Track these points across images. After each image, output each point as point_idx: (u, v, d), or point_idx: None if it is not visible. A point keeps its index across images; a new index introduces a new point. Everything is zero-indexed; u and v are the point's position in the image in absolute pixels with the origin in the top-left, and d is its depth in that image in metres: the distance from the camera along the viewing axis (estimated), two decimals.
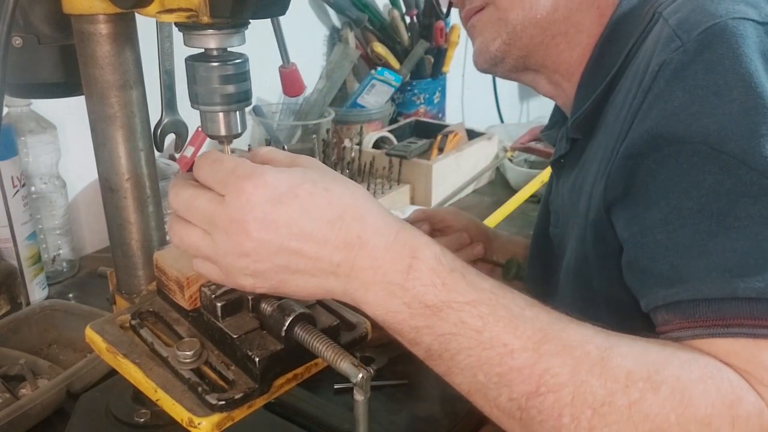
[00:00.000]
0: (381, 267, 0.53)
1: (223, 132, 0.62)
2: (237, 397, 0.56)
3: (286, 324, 0.57)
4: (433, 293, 0.52)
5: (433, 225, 0.96)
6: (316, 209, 0.52)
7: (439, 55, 1.81)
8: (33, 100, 1.11)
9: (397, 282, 0.52)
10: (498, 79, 2.27)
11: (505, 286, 0.55)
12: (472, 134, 1.67)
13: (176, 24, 0.59)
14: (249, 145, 1.36)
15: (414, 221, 0.94)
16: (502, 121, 2.27)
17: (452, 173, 1.54)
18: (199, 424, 0.55)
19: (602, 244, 0.65)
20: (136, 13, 0.61)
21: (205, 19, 0.55)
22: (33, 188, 1.14)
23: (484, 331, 0.51)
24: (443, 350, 0.53)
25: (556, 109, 0.87)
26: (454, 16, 1.97)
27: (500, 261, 0.98)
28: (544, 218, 0.85)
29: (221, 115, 0.61)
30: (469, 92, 2.21)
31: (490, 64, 0.76)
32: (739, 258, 0.52)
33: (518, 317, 0.52)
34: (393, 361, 0.95)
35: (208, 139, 1.37)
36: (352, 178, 1.37)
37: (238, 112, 0.62)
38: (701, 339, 0.53)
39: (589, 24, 0.73)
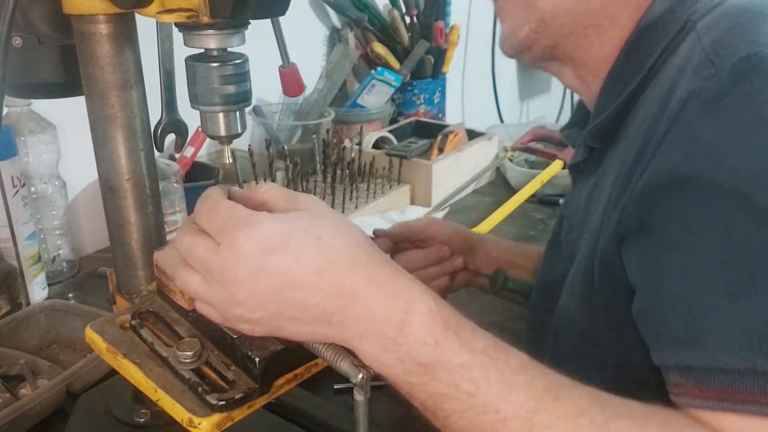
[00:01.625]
0: (374, 320, 0.51)
1: (222, 132, 0.62)
2: (237, 397, 0.56)
3: None
4: (425, 351, 0.51)
5: (414, 237, 0.93)
6: (306, 258, 0.51)
7: (439, 55, 1.81)
8: (33, 100, 1.11)
9: (390, 337, 0.51)
10: (498, 79, 2.28)
11: (500, 345, 0.52)
12: (472, 134, 1.67)
13: (176, 24, 0.59)
14: (249, 146, 1.36)
15: (395, 236, 0.91)
16: (502, 121, 2.27)
17: (452, 173, 1.54)
18: (199, 424, 0.55)
19: (609, 276, 0.61)
20: (136, 13, 0.61)
21: (205, 19, 0.55)
22: (33, 188, 1.14)
23: (476, 395, 0.50)
24: (437, 408, 0.52)
25: (579, 108, 0.81)
26: (455, 16, 1.97)
27: (486, 272, 0.96)
28: (560, 222, 0.81)
29: (221, 115, 0.61)
30: (469, 92, 2.21)
31: (517, 51, 0.71)
32: (762, 325, 0.48)
33: (512, 383, 0.50)
34: None
35: (208, 139, 1.37)
36: (352, 179, 1.39)
37: (238, 113, 0.62)
38: (712, 411, 0.49)
39: (626, 18, 0.66)
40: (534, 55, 0.71)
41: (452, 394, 0.51)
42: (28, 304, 1.06)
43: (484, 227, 1.38)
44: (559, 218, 0.82)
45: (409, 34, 1.77)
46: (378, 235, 0.90)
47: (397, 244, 0.91)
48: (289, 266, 0.51)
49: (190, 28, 0.58)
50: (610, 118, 0.67)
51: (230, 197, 0.56)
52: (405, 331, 0.51)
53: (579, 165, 0.76)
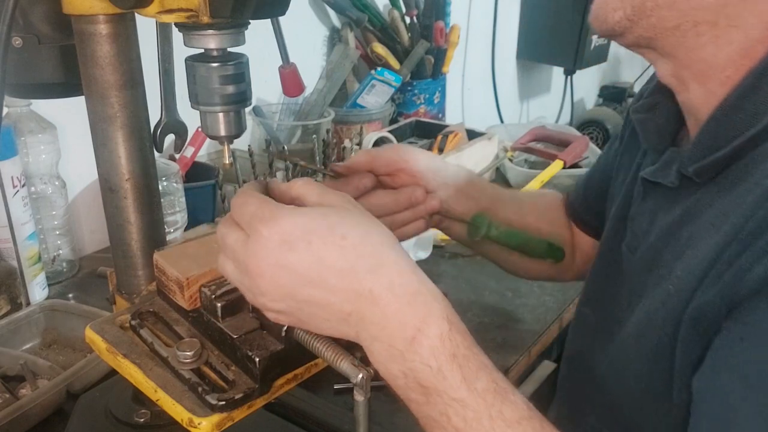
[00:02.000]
0: (387, 328, 0.51)
1: (222, 132, 0.62)
2: (237, 397, 0.56)
3: (287, 324, 0.57)
4: (428, 375, 0.50)
5: (378, 171, 0.79)
6: (328, 257, 0.51)
7: (439, 55, 1.81)
8: (33, 100, 1.11)
9: (399, 348, 0.51)
10: (498, 79, 2.28)
11: (501, 390, 0.50)
12: (472, 134, 1.67)
13: (176, 24, 0.59)
14: (249, 146, 1.36)
15: (356, 167, 0.78)
16: (502, 121, 2.27)
17: None
18: (199, 424, 0.55)
19: (698, 336, 0.54)
20: (136, 13, 0.61)
21: (205, 19, 0.55)
22: (33, 188, 1.14)
23: None
24: (428, 429, 0.52)
25: (658, 90, 0.68)
26: (454, 16, 1.97)
27: (463, 217, 0.83)
28: (619, 230, 0.72)
29: (221, 115, 0.61)
30: (469, 92, 2.21)
31: (606, 33, 0.62)
32: None
33: None
34: None
35: (208, 140, 1.37)
36: None
37: (238, 113, 0.62)
38: None
39: (754, 23, 0.54)
40: (626, 41, 0.62)
41: (442, 423, 0.50)
42: (28, 304, 1.06)
43: None
44: (618, 221, 0.73)
45: (409, 34, 1.77)
46: (338, 171, 0.78)
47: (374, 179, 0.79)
48: (311, 262, 0.51)
49: (189, 28, 0.58)
50: (728, 156, 0.56)
51: (267, 191, 0.57)
52: (413, 348, 0.50)
53: (657, 183, 0.65)
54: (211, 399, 0.55)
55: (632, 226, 0.69)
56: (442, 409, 0.50)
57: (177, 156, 1.31)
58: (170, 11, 0.56)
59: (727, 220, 0.54)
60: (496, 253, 0.90)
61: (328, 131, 1.48)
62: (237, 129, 0.63)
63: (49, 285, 1.15)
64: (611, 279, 0.71)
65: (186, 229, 1.24)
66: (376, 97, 1.66)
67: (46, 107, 1.14)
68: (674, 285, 0.57)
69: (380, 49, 1.69)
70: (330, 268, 0.51)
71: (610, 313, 0.69)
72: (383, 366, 0.52)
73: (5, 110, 0.98)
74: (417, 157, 0.80)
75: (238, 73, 0.60)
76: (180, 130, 0.79)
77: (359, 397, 0.54)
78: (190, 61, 0.60)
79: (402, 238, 0.75)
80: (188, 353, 0.58)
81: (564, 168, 1.60)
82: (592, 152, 1.76)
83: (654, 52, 0.61)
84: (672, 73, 0.61)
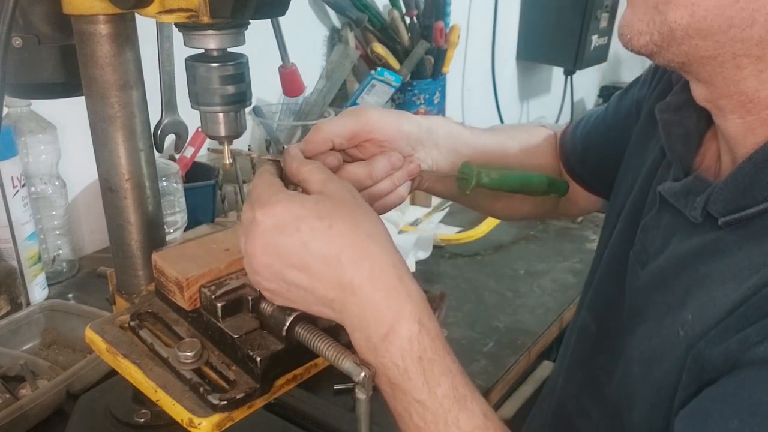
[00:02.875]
0: (365, 320, 0.53)
1: (222, 132, 0.62)
2: (239, 396, 0.56)
3: (287, 323, 0.57)
4: (395, 373, 0.52)
5: (341, 147, 0.69)
6: (314, 244, 0.53)
7: (439, 55, 1.81)
8: (33, 100, 1.11)
9: (374, 342, 0.53)
10: (498, 79, 2.28)
11: (460, 397, 0.52)
12: None
13: (176, 24, 0.59)
14: (249, 146, 1.36)
15: (313, 149, 0.66)
16: (502, 121, 2.27)
17: None
18: (199, 424, 0.55)
19: (696, 381, 0.53)
20: (136, 14, 0.61)
21: (205, 19, 0.55)
22: (33, 188, 1.14)
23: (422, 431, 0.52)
24: (396, 420, 0.55)
25: (686, 89, 0.61)
26: (455, 16, 1.97)
27: (450, 173, 0.75)
28: (629, 236, 0.69)
29: (221, 115, 0.62)
30: (469, 92, 2.21)
31: (634, 52, 0.57)
32: None
33: None
34: None
35: (208, 139, 1.37)
36: None
37: (238, 113, 0.62)
38: None
39: None
40: (658, 62, 0.57)
41: (406, 419, 0.53)
42: (28, 304, 1.06)
43: (484, 227, 1.38)
44: (629, 224, 0.70)
45: (409, 34, 1.77)
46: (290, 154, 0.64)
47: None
48: (297, 248, 0.53)
49: (190, 28, 0.58)
50: (762, 211, 0.52)
51: (282, 169, 0.60)
52: (385, 345, 0.52)
53: (678, 209, 0.61)
54: (213, 399, 0.55)
55: (643, 237, 0.66)
56: (406, 407, 0.53)
57: (177, 156, 1.31)
58: (170, 11, 0.56)
59: (752, 276, 0.51)
60: (490, 203, 0.86)
61: None
62: (237, 129, 0.63)
63: (49, 285, 1.15)
64: (614, 287, 0.69)
65: (186, 229, 1.24)
66: (376, 97, 1.66)
67: (46, 107, 1.14)
68: (685, 330, 0.55)
69: (380, 49, 1.69)
70: (315, 254, 0.53)
71: (608, 324, 0.69)
72: (361, 353, 0.54)
73: (5, 110, 0.98)
74: (383, 125, 0.70)
75: (238, 73, 0.60)
76: (180, 130, 0.79)
77: (361, 395, 0.54)
78: (190, 61, 0.60)
79: (385, 210, 0.71)
80: (189, 353, 0.58)
81: None
82: None
83: (689, 74, 0.57)
84: (708, 99, 0.57)
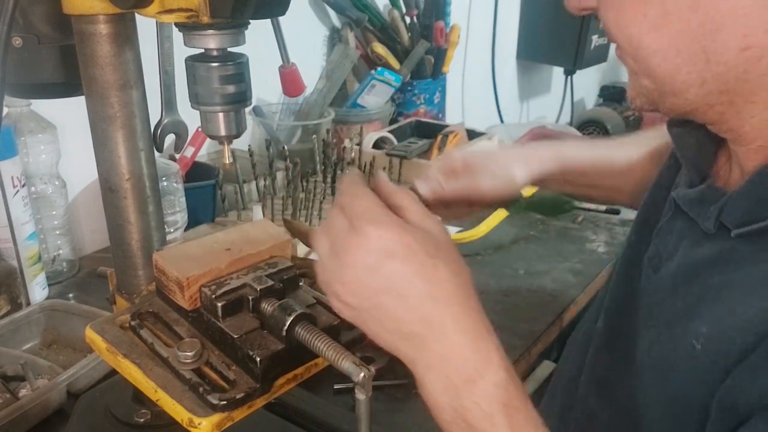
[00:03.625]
0: (449, 362, 0.53)
1: (222, 132, 0.62)
2: (239, 396, 0.56)
3: (287, 323, 0.57)
4: (477, 416, 0.52)
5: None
6: (418, 279, 0.54)
7: (440, 55, 1.81)
8: (33, 100, 1.11)
9: (455, 384, 0.53)
10: (498, 79, 2.28)
11: None
12: (472, 134, 1.67)
13: (176, 24, 0.59)
14: (249, 146, 1.36)
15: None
16: (502, 121, 2.27)
17: None
18: (199, 424, 0.55)
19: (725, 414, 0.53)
20: (136, 13, 0.61)
21: (205, 19, 0.55)
22: (33, 188, 1.14)
23: None
24: None
25: None
26: (454, 16, 1.97)
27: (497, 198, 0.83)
28: (644, 238, 0.70)
29: (221, 115, 0.62)
30: (469, 92, 2.21)
31: (640, 108, 0.62)
32: None
33: None
34: (393, 361, 0.95)
35: (208, 139, 1.37)
36: None
37: (238, 113, 0.62)
38: None
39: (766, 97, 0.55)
40: (664, 113, 0.61)
41: None
42: (28, 304, 1.06)
43: (484, 227, 1.37)
44: (645, 227, 0.71)
45: (409, 34, 1.77)
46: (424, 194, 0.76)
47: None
48: (401, 277, 0.54)
49: (190, 28, 0.58)
50: None
51: (371, 187, 0.59)
52: (469, 388, 0.53)
53: (691, 217, 0.63)
54: (213, 399, 0.55)
55: (658, 242, 0.67)
56: None
57: (177, 156, 1.31)
58: (170, 11, 0.56)
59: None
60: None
61: (328, 131, 1.48)
62: (237, 129, 0.63)
63: (49, 285, 1.15)
64: (626, 290, 0.71)
65: (186, 229, 1.24)
66: (376, 97, 1.66)
67: (46, 107, 1.14)
68: (702, 344, 0.56)
69: (380, 49, 1.69)
70: (415, 288, 0.54)
71: (620, 326, 0.69)
72: (432, 396, 0.54)
73: (5, 110, 0.98)
74: (487, 188, 0.81)
75: (238, 73, 0.60)
76: (180, 130, 0.79)
77: (361, 395, 0.54)
78: (190, 61, 0.60)
79: None
80: (189, 353, 0.58)
81: None
82: None
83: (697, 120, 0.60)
84: (715, 131, 0.60)
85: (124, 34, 0.63)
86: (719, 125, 0.58)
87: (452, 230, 1.40)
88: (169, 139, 0.78)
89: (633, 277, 0.70)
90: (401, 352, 0.55)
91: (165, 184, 1.17)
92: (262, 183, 1.31)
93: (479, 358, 0.53)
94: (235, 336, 0.58)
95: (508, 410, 0.52)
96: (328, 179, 1.39)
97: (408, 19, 1.77)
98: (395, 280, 0.54)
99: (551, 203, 0.94)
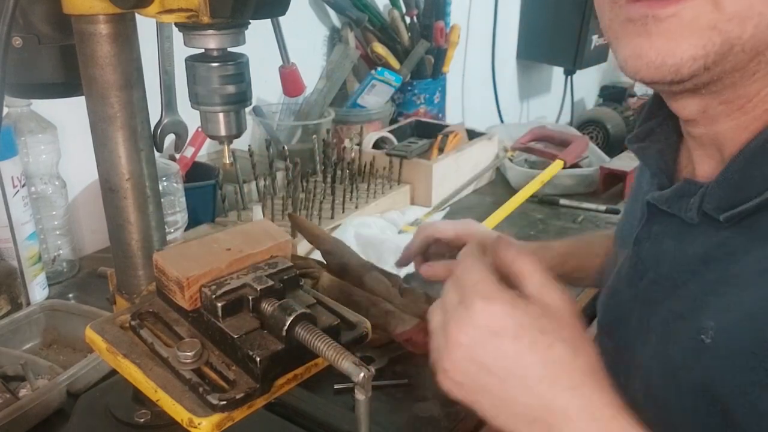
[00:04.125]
0: None
1: (222, 132, 0.62)
2: (238, 396, 0.56)
3: (287, 323, 0.57)
4: None
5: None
6: (530, 359, 0.51)
7: (440, 55, 1.81)
8: (33, 100, 1.11)
9: None
10: (498, 79, 2.28)
11: None
12: (472, 134, 1.67)
13: (176, 24, 0.59)
14: (249, 146, 1.36)
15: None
16: (502, 121, 2.27)
17: (452, 173, 1.54)
18: (199, 424, 0.55)
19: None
20: (136, 13, 0.61)
21: (205, 19, 0.55)
22: (33, 188, 1.14)
23: None
24: None
25: (653, 111, 0.67)
26: (455, 17, 1.97)
27: None
28: (622, 252, 0.72)
29: (221, 115, 0.62)
30: (469, 92, 2.21)
31: (663, 81, 0.54)
32: None
33: None
34: (393, 361, 0.95)
35: (208, 139, 1.37)
36: (352, 179, 1.38)
37: (238, 113, 0.62)
38: None
39: None
40: (678, 89, 0.55)
41: None
42: (28, 304, 1.06)
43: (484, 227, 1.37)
44: (623, 243, 0.72)
45: (409, 34, 1.77)
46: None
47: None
48: (510, 356, 0.51)
49: (190, 28, 0.58)
50: (760, 206, 0.53)
51: (493, 251, 0.57)
52: None
53: (670, 213, 0.62)
54: (212, 399, 0.55)
55: (638, 250, 0.67)
56: None
57: (177, 156, 1.31)
58: (170, 11, 0.56)
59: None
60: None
61: (328, 131, 1.48)
62: (237, 129, 0.63)
63: (49, 285, 1.15)
64: (623, 298, 0.70)
65: (186, 229, 1.24)
66: (376, 97, 1.66)
67: (46, 107, 1.14)
68: (712, 337, 0.55)
69: (380, 49, 1.69)
70: (528, 368, 0.50)
71: (618, 339, 0.68)
72: None
73: (5, 110, 0.98)
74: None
75: (238, 73, 0.60)
76: (180, 130, 0.79)
77: (360, 396, 0.54)
78: (190, 61, 0.60)
79: None
80: (189, 353, 0.58)
81: (564, 168, 1.60)
82: (592, 152, 1.76)
83: (691, 92, 0.56)
84: (702, 110, 0.57)
85: (124, 34, 0.63)
86: (733, 92, 0.54)
87: None
88: (169, 139, 0.78)
89: (622, 287, 0.69)
90: None
91: (165, 184, 1.17)
92: (262, 183, 1.31)
93: None
94: (235, 336, 0.58)
95: None
96: (328, 179, 1.39)
97: (408, 19, 1.77)
98: (503, 359, 0.51)
99: None
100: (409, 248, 0.97)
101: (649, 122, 0.68)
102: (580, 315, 0.54)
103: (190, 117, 0.73)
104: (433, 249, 0.98)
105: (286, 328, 0.57)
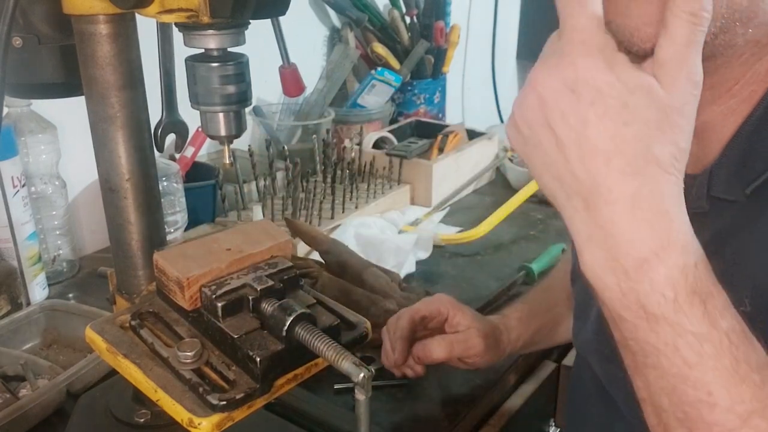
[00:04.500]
0: (613, 238, 0.46)
1: (222, 132, 0.62)
2: (238, 397, 0.56)
3: (287, 324, 0.57)
4: (658, 302, 0.45)
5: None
6: (596, 129, 0.45)
7: (440, 55, 1.81)
8: (33, 100, 1.11)
9: (623, 265, 0.45)
10: (498, 79, 2.28)
11: (747, 335, 0.45)
12: (472, 134, 1.67)
13: (176, 24, 0.59)
14: (249, 146, 1.36)
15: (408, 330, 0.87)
16: (502, 121, 2.27)
17: (452, 173, 1.53)
18: (199, 424, 0.55)
19: None
20: (136, 13, 0.61)
21: (205, 19, 0.55)
22: (33, 188, 1.14)
23: (694, 368, 0.45)
24: (638, 352, 0.47)
25: None
26: (455, 16, 1.97)
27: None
28: None
29: (221, 115, 0.62)
30: (469, 92, 2.21)
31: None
32: None
33: (743, 376, 0.44)
34: None
35: (208, 139, 1.37)
36: (352, 179, 1.39)
37: (238, 113, 0.62)
38: None
39: None
40: None
41: (665, 353, 0.45)
42: (28, 304, 1.06)
43: (484, 227, 1.37)
44: None
45: (409, 34, 1.77)
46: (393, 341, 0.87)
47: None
48: (580, 121, 0.45)
49: (190, 28, 0.58)
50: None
51: None
52: (643, 270, 0.45)
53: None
54: (212, 399, 0.55)
55: None
56: (669, 339, 0.45)
57: (177, 156, 1.31)
58: (170, 11, 0.56)
59: None
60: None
61: (328, 131, 1.48)
62: (237, 129, 0.63)
63: (49, 285, 1.15)
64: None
65: (186, 229, 1.24)
66: (376, 97, 1.66)
67: (46, 107, 1.14)
68: (751, 304, 0.53)
69: (380, 49, 1.69)
70: (592, 139, 0.45)
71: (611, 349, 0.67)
72: (595, 273, 0.47)
73: (5, 110, 0.98)
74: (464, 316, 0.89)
75: (238, 73, 0.60)
76: (180, 130, 0.79)
77: (360, 396, 0.54)
78: (190, 61, 0.60)
79: None
80: (189, 353, 0.58)
81: None
82: None
83: None
84: (720, 77, 0.56)
85: (124, 34, 0.63)
86: (723, 74, 0.55)
87: (452, 230, 1.40)
88: (169, 139, 0.78)
89: None
90: (559, 205, 0.48)
91: (165, 184, 1.17)
92: (262, 183, 1.31)
93: (655, 237, 0.45)
94: (235, 336, 0.58)
95: (699, 296, 0.45)
96: (328, 179, 1.39)
97: (408, 19, 1.77)
98: (571, 119, 0.45)
99: None
100: (396, 339, 0.88)
101: None
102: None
103: (190, 117, 0.73)
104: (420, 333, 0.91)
105: (286, 328, 0.57)
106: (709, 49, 0.51)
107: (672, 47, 0.46)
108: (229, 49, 0.60)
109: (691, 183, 0.58)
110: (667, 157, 0.46)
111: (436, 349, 0.85)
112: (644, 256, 0.45)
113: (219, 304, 0.59)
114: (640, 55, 0.52)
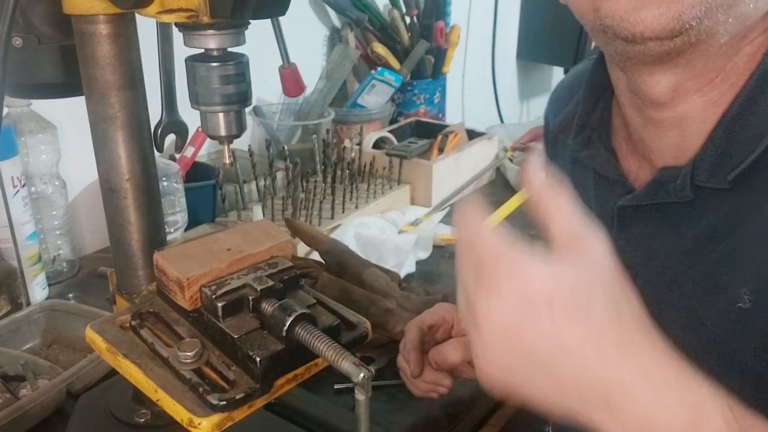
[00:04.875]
0: (649, 423, 0.42)
1: (222, 132, 0.62)
2: (238, 397, 0.56)
3: (287, 324, 0.57)
4: None
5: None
6: (566, 328, 0.43)
7: (440, 55, 1.81)
8: (33, 100, 1.11)
9: None
10: (498, 79, 2.28)
11: None
12: (472, 134, 1.67)
13: (176, 24, 0.59)
14: (249, 146, 1.36)
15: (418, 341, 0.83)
16: (502, 121, 2.27)
17: (452, 173, 1.53)
18: (199, 424, 0.55)
19: None
20: (136, 13, 0.61)
21: (205, 19, 0.55)
22: (33, 188, 1.14)
23: None
24: None
25: (588, 112, 0.69)
26: (455, 17, 1.97)
27: None
28: None
29: (221, 115, 0.61)
30: (469, 92, 2.21)
31: (661, 34, 0.52)
32: None
33: None
34: (393, 361, 0.95)
35: (208, 139, 1.37)
36: (352, 179, 1.39)
37: (238, 113, 0.62)
38: None
39: (760, 29, 0.56)
40: (662, 48, 0.54)
41: None
42: (28, 304, 1.06)
43: None
44: None
45: (409, 34, 1.77)
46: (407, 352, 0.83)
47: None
48: (549, 331, 0.43)
49: (190, 28, 0.58)
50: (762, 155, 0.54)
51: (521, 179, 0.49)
52: None
53: (651, 205, 0.61)
54: (212, 399, 0.55)
55: (619, 258, 0.63)
56: None
57: (177, 156, 1.31)
58: (170, 11, 0.56)
59: None
60: None
61: (328, 131, 1.48)
62: (237, 129, 0.63)
63: (49, 285, 1.15)
64: None
65: (186, 229, 1.24)
66: (376, 97, 1.66)
67: (46, 107, 1.14)
68: (751, 300, 0.53)
69: (380, 49, 1.69)
70: (569, 337, 0.43)
71: None
72: None
73: (5, 110, 0.98)
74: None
75: (239, 73, 0.60)
76: (180, 130, 0.79)
77: (360, 396, 0.54)
78: (190, 61, 0.60)
79: None
80: (189, 353, 0.58)
81: None
82: None
83: (666, 64, 0.56)
84: (674, 87, 0.58)
85: (124, 34, 0.63)
86: (705, 65, 0.56)
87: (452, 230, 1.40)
88: (169, 139, 0.78)
89: None
90: (577, 415, 0.44)
91: (165, 184, 1.17)
92: (262, 183, 1.31)
93: (684, 402, 0.42)
94: (235, 336, 0.58)
95: None
96: (328, 179, 1.39)
97: (408, 19, 1.77)
98: (543, 335, 0.43)
99: None
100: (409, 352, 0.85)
101: (585, 131, 0.69)
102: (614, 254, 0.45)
103: (190, 117, 0.73)
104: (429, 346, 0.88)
105: (286, 328, 0.57)
106: (694, 33, 0.52)
107: (560, 228, 0.47)
108: (229, 49, 0.60)
109: (675, 174, 0.60)
110: (635, 312, 0.45)
111: (451, 351, 0.83)
112: (681, 425, 0.42)
113: (219, 304, 0.59)
114: (629, 40, 0.54)
